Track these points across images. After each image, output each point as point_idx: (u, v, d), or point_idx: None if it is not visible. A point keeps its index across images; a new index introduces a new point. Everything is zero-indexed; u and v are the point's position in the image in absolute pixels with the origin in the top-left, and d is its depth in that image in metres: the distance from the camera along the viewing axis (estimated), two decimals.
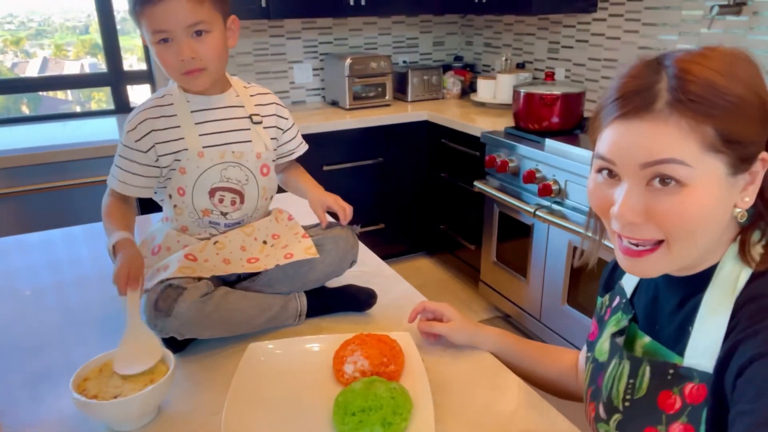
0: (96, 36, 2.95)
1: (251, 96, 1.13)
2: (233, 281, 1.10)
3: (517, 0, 2.64)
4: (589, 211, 0.76)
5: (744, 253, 0.64)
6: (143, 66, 3.06)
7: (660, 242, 0.63)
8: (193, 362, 0.99)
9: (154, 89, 3.04)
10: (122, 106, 2.98)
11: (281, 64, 3.20)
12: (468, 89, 3.37)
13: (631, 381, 0.70)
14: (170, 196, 1.08)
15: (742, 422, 0.55)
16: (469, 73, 3.45)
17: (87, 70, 3.11)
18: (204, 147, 1.05)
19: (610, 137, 0.63)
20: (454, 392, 0.90)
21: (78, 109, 3.17)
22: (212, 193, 1.07)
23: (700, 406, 0.63)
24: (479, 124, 2.64)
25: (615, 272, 0.86)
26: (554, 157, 2.13)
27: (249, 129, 1.10)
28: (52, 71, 3.10)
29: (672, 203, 0.60)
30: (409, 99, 3.24)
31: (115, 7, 2.84)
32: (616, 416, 0.72)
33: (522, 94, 2.40)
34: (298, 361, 0.96)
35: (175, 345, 0.98)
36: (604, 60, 2.67)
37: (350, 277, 1.20)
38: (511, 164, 2.36)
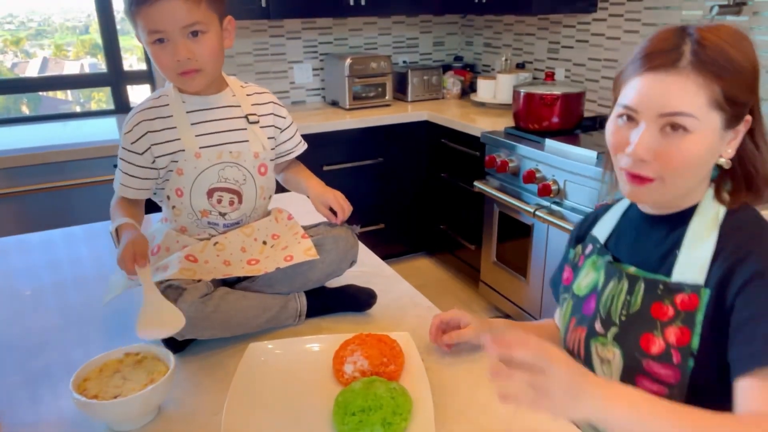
0: (96, 36, 2.95)
1: (248, 95, 1.13)
2: (233, 281, 1.10)
3: (517, 0, 2.64)
4: (605, 163, 0.91)
5: (719, 195, 0.81)
6: (143, 66, 3.06)
7: (658, 178, 0.78)
8: (193, 362, 0.99)
9: (153, 89, 3.04)
10: (122, 106, 2.98)
11: (281, 64, 3.20)
12: (468, 89, 3.37)
13: (627, 297, 0.83)
14: (168, 198, 1.08)
15: (763, 322, 0.69)
16: (469, 73, 3.45)
17: (87, 70, 3.11)
18: (201, 147, 1.05)
19: (637, 87, 0.77)
20: (454, 392, 0.90)
21: (78, 109, 3.17)
22: (210, 193, 1.07)
23: (694, 312, 0.76)
24: (479, 124, 2.64)
25: (584, 226, 1.00)
26: (554, 157, 2.13)
27: (246, 129, 1.10)
28: (52, 71, 3.10)
29: (677, 145, 0.75)
30: (409, 99, 3.24)
31: (115, 7, 2.84)
32: (613, 329, 0.84)
33: (522, 94, 2.40)
34: (298, 361, 0.96)
35: (175, 345, 0.98)
36: (604, 60, 2.67)
37: (350, 277, 1.20)
38: (511, 164, 2.36)
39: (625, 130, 0.79)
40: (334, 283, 1.17)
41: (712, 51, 0.73)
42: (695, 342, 0.75)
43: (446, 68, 3.46)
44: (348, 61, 2.96)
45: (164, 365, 0.88)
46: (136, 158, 1.05)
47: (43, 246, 1.51)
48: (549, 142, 2.23)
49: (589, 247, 0.95)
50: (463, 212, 2.87)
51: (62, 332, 1.10)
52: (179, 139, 1.04)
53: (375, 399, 0.80)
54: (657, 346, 0.78)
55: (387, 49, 3.46)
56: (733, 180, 0.82)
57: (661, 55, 0.75)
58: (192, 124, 1.06)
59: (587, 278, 0.92)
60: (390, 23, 3.43)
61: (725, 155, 0.79)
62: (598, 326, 0.86)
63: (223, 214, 1.09)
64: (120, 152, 1.06)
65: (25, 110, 3.09)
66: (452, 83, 3.33)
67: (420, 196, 3.17)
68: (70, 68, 3.14)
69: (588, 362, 0.87)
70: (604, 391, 0.66)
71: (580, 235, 1.00)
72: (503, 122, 2.63)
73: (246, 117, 1.10)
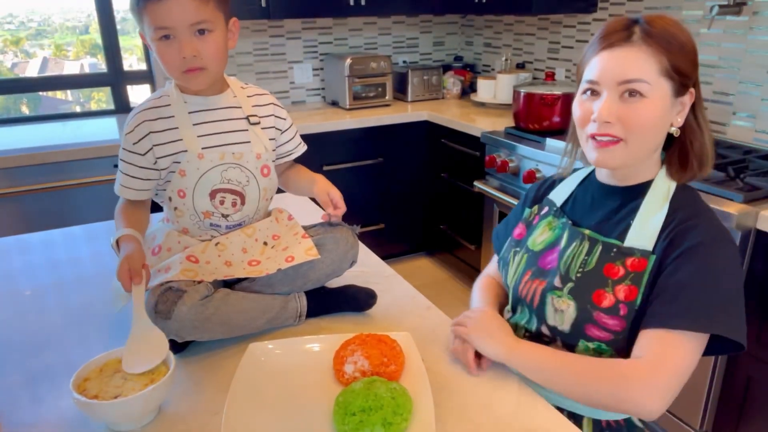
0: (96, 36, 2.95)
1: (248, 97, 1.13)
2: (233, 282, 1.10)
3: (517, 0, 2.64)
4: (569, 137, 1.04)
5: (670, 172, 0.93)
6: (143, 66, 3.06)
7: (620, 140, 0.88)
8: (194, 362, 0.99)
9: (154, 89, 3.04)
10: (122, 106, 2.98)
11: (281, 64, 3.20)
12: (468, 89, 3.38)
13: (585, 257, 0.94)
14: (170, 199, 1.07)
15: (683, 291, 0.83)
16: (469, 73, 3.45)
17: (87, 70, 3.11)
18: (203, 148, 1.05)
19: (598, 64, 0.89)
20: (454, 392, 0.90)
21: (78, 109, 3.17)
22: (213, 194, 1.07)
23: (642, 273, 0.88)
24: (479, 124, 2.64)
25: (541, 189, 1.11)
26: (554, 157, 2.13)
27: (247, 130, 1.10)
28: (52, 71, 3.10)
29: (636, 108, 0.86)
30: (409, 99, 3.24)
31: (115, 7, 2.84)
32: (570, 284, 0.94)
33: (522, 94, 2.40)
34: (298, 361, 0.96)
35: (176, 345, 0.98)
36: None
37: (350, 277, 1.20)
38: (511, 164, 2.36)
39: (589, 103, 0.90)
40: (334, 283, 1.17)
41: (658, 29, 0.86)
42: (639, 299, 0.88)
43: (446, 68, 3.46)
44: (348, 61, 2.96)
45: (164, 365, 0.87)
46: (137, 159, 1.05)
47: (43, 246, 1.51)
48: (549, 142, 2.23)
49: (545, 209, 1.06)
50: (463, 212, 2.87)
51: (62, 332, 1.10)
52: (181, 139, 1.04)
53: (375, 399, 0.80)
54: (607, 300, 0.89)
55: (387, 49, 3.46)
56: (678, 156, 0.93)
57: (615, 34, 0.87)
58: (194, 124, 1.06)
59: (543, 236, 1.03)
60: (390, 23, 3.43)
61: (675, 124, 0.91)
62: (557, 281, 0.95)
63: (225, 216, 1.09)
64: (121, 153, 1.06)
65: (25, 110, 3.09)
66: (452, 83, 3.33)
67: (420, 196, 3.17)
68: (70, 68, 3.13)
69: (541, 310, 0.97)
70: (508, 338, 0.94)
71: (537, 197, 1.11)
72: (503, 122, 2.63)
73: (247, 118, 1.10)
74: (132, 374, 0.85)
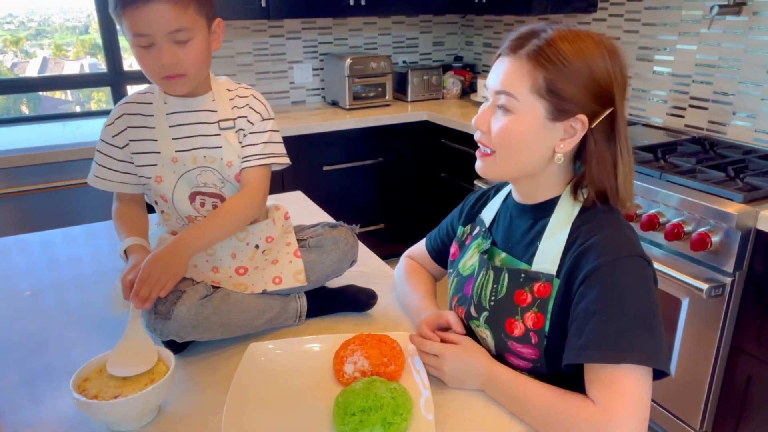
0: (96, 36, 2.95)
1: (230, 99, 1.07)
2: None
3: (517, 0, 2.64)
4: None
5: (575, 194, 0.88)
6: None
7: (492, 152, 0.89)
8: (194, 362, 0.99)
9: None
10: None
11: (281, 64, 3.20)
12: (468, 89, 3.38)
13: (494, 286, 0.92)
14: (156, 203, 1.08)
15: (591, 320, 0.78)
16: (469, 73, 3.45)
17: (87, 70, 3.11)
18: (177, 151, 1.03)
19: (492, 70, 0.88)
20: (454, 392, 0.90)
21: (78, 109, 3.17)
22: (192, 197, 1.06)
23: (547, 299, 0.85)
24: None
25: (476, 206, 1.08)
26: None
27: (219, 135, 1.05)
28: (51, 71, 3.10)
29: (502, 123, 0.85)
30: (409, 99, 3.24)
31: None
32: (485, 313, 0.93)
33: None
34: (298, 361, 0.96)
35: (176, 345, 0.98)
36: None
37: (350, 277, 1.20)
38: None
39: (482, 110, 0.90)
40: (334, 283, 1.17)
41: (548, 46, 0.81)
42: (547, 326, 0.86)
43: (446, 68, 3.46)
44: (348, 61, 2.96)
45: (164, 365, 0.88)
46: (116, 152, 1.05)
47: (43, 246, 1.51)
48: None
49: (476, 229, 1.04)
50: None
51: (62, 332, 1.10)
52: (156, 140, 1.03)
53: (375, 399, 0.80)
54: (518, 329, 0.88)
55: (387, 49, 3.46)
56: (589, 184, 0.86)
57: (510, 42, 0.86)
58: (170, 126, 1.04)
59: (471, 260, 1.01)
60: (390, 23, 3.42)
61: (558, 150, 0.86)
62: (473, 310, 0.96)
63: None
64: (98, 144, 1.06)
65: (25, 110, 3.09)
66: (452, 83, 3.33)
67: (420, 196, 3.17)
68: (70, 68, 3.14)
69: (472, 336, 0.96)
70: (484, 369, 0.89)
71: (472, 214, 1.09)
72: None
73: (218, 123, 1.05)
74: (132, 375, 0.85)
